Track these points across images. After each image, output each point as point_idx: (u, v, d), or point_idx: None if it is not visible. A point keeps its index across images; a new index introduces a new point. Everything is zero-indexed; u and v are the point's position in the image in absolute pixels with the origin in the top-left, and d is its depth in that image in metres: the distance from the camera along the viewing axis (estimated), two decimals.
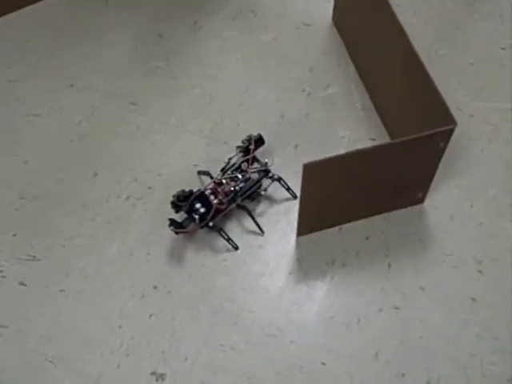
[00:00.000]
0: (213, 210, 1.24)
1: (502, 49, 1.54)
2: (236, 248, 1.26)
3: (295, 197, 1.31)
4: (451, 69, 1.50)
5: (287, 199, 1.32)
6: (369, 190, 1.22)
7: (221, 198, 1.25)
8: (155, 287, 1.22)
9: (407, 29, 1.22)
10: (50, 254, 1.27)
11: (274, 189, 1.32)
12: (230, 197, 1.26)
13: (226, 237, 1.25)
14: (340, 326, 1.17)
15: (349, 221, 1.29)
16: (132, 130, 1.43)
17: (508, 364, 1.13)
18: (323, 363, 1.14)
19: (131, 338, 1.17)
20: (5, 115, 1.47)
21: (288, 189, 1.31)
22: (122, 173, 1.37)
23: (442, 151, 1.17)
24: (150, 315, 1.19)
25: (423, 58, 1.18)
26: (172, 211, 1.25)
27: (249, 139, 1.31)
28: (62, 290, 1.23)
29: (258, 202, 1.32)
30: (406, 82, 1.28)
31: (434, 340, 1.15)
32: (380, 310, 1.18)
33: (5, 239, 1.29)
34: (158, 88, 1.50)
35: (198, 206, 1.24)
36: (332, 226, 1.29)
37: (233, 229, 1.28)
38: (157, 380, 1.13)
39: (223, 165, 1.32)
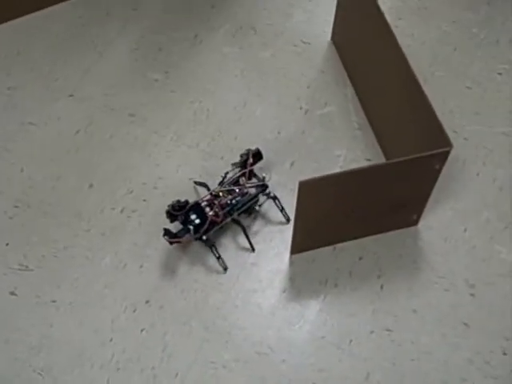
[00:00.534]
0: (208, 222, 1.24)
1: (499, 74, 1.55)
2: (225, 269, 1.25)
3: (288, 220, 1.30)
4: (448, 91, 1.52)
5: (281, 221, 1.32)
6: (363, 210, 1.22)
7: (217, 210, 1.25)
8: (147, 301, 1.22)
9: (405, 50, 1.23)
10: (43, 264, 1.26)
11: (269, 206, 1.32)
12: (225, 210, 1.26)
13: (216, 255, 1.25)
14: (331, 346, 1.17)
15: (343, 240, 1.29)
16: (129, 141, 1.44)
17: None
18: (314, 383, 1.13)
19: (122, 352, 1.16)
20: (1, 123, 1.46)
21: (282, 210, 1.31)
22: (117, 184, 1.37)
23: (438, 173, 1.18)
24: (142, 329, 1.19)
25: (420, 79, 1.19)
26: (166, 222, 1.24)
27: (247, 153, 1.31)
28: (53, 301, 1.22)
29: (255, 217, 1.32)
30: (402, 103, 1.29)
31: (426, 363, 1.15)
32: (372, 332, 1.19)
33: None
34: (157, 101, 1.50)
35: (193, 217, 1.24)
36: (326, 244, 1.29)
37: (227, 244, 1.28)
38: None
39: (219, 179, 1.32)
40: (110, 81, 1.54)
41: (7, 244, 1.29)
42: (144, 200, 1.35)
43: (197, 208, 1.25)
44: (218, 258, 1.25)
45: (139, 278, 1.25)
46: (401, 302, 1.22)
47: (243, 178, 1.30)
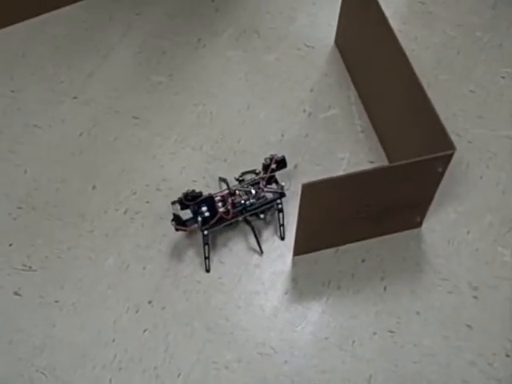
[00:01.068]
0: (217, 217, 1.24)
1: (502, 77, 1.56)
2: (207, 270, 1.25)
3: (282, 238, 1.29)
4: (451, 95, 1.52)
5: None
6: (366, 213, 1.22)
7: (228, 207, 1.25)
8: (150, 302, 1.22)
9: (409, 54, 1.23)
10: (46, 264, 1.27)
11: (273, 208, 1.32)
12: (237, 209, 1.26)
13: (206, 254, 1.25)
14: (334, 347, 1.17)
15: (345, 242, 1.29)
16: (133, 143, 1.44)
17: None
18: None
19: (124, 352, 1.16)
20: (6, 125, 1.47)
21: (281, 225, 1.29)
22: (121, 186, 1.37)
23: (441, 176, 1.18)
24: (144, 330, 1.19)
25: (424, 82, 1.19)
26: (170, 225, 1.25)
27: (271, 158, 1.30)
28: (56, 301, 1.22)
29: (265, 222, 1.32)
30: (406, 106, 1.29)
31: (428, 365, 1.15)
32: (374, 334, 1.18)
33: (1, 249, 1.28)
34: (161, 103, 1.51)
35: (204, 209, 1.25)
36: (329, 246, 1.29)
37: (232, 245, 1.28)
38: None
39: (221, 181, 1.33)
40: (113, 84, 1.54)
41: (11, 244, 1.29)
42: (147, 202, 1.35)
43: (209, 201, 1.26)
44: (207, 258, 1.25)
45: (142, 279, 1.25)
46: (404, 304, 1.22)
47: (263, 182, 1.30)
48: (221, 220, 1.25)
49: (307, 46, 1.62)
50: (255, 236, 1.27)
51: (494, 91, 1.53)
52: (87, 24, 1.65)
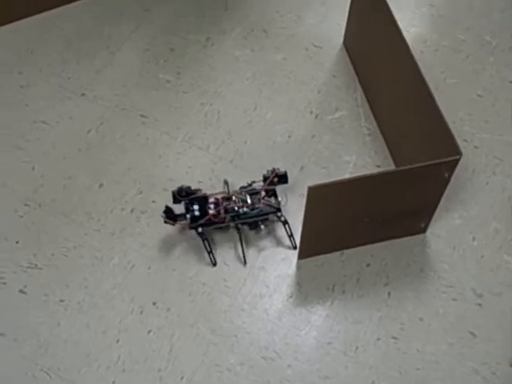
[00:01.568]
0: (206, 218, 1.24)
1: (510, 82, 1.55)
2: (214, 264, 1.26)
3: (295, 247, 1.29)
4: (459, 99, 1.51)
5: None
6: (372, 217, 1.22)
7: (219, 211, 1.25)
8: (154, 303, 1.22)
9: (417, 56, 1.22)
10: (52, 263, 1.27)
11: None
12: (230, 214, 1.26)
13: (208, 249, 1.25)
14: (338, 352, 1.18)
15: (350, 246, 1.30)
16: (140, 142, 1.44)
17: None
18: None
19: (128, 353, 1.17)
20: (14, 120, 1.47)
21: (290, 236, 1.29)
22: (127, 185, 1.37)
23: (447, 181, 1.18)
24: (149, 331, 1.19)
25: (432, 86, 1.18)
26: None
27: (272, 171, 1.29)
28: (61, 300, 1.23)
29: (257, 232, 1.31)
30: (413, 110, 1.29)
31: (431, 372, 1.16)
32: (378, 339, 1.19)
33: (8, 246, 1.29)
34: (168, 102, 1.51)
35: (195, 207, 1.25)
36: (334, 250, 1.29)
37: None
38: None
39: (226, 182, 1.33)
40: (121, 81, 1.54)
41: (17, 242, 1.29)
42: (153, 201, 1.35)
43: (202, 201, 1.26)
44: (209, 252, 1.25)
45: (147, 280, 1.25)
46: (408, 310, 1.22)
47: (263, 193, 1.29)
48: (210, 221, 1.25)
49: (315, 47, 1.62)
50: (241, 245, 1.27)
51: (502, 96, 1.53)
52: (97, 20, 1.65)
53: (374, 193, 1.16)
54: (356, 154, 1.43)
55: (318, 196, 1.10)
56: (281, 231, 1.30)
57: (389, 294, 1.24)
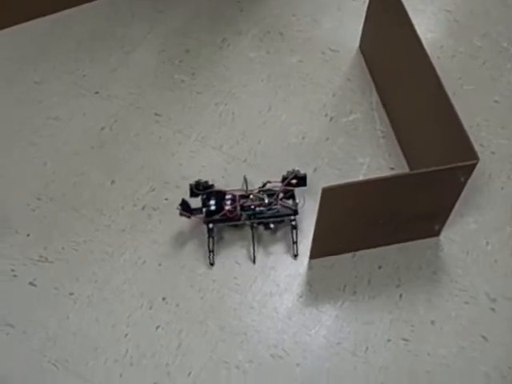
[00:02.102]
0: (221, 213, 1.24)
1: None
2: (211, 264, 1.25)
3: (295, 256, 1.27)
4: (476, 104, 1.50)
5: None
6: (385, 219, 1.21)
7: (235, 207, 1.25)
8: (164, 298, 1.22)
9: (434, 62, 1.22)
10: (62, 256, 1.27)
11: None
12: (246, 212, 1.25)
13: (211, 247, 1.25)
14: (347, 352, 1.16)
15: (362, 248, 1.28)
16: (154, 140, 1.44)
17: None
18: None
19: (136, 348, 1.16)
20: (27, 116, 1.48)
21: (294, 243, 1.27)
22: (140, 182, 1.37)
23: (463, 186, 1.16)
24: (157, 326, 1.19)
25: (449, 91, 1.18)
26: (186, 221, 1.25)
27: (292, 172, 1.28)
28: (71, 294, 1.22)
29: (272, 233, 1.30)
30: (429, 114, 1.28)
31: (442, 375, 1.14)
32: (388, 341, 1.17)
33: (19, 239, 1.29)
34: (182, 101, 1.51)
35: (211, 202, 1.25)
36: (345, 251, 1.28)
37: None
38: None
39: (240, 182, 1.32)
40: (136, 80, 1.55)
41: (28, 235, 1.30)
42: (166, 199, 1.35)
43: (219, 196, 1.26)
44: (211, 251, 1.25)
45: (157, 276, 1.25)
46: (419, 313, 1.21)
47: (281, 194, 1.28)
48: (226, 217, 1.24)
49: (331, 50, 1.62)
50: (253, 244, 1.26)
51: None
52: (111, 20, 1.66)
53: (388, 195, 1.15)
54: (370, 156, 1.42)
55: (331, 197, 1.10)
56: (289, 230, 1.29)
57: (400, 296, 1.23)
